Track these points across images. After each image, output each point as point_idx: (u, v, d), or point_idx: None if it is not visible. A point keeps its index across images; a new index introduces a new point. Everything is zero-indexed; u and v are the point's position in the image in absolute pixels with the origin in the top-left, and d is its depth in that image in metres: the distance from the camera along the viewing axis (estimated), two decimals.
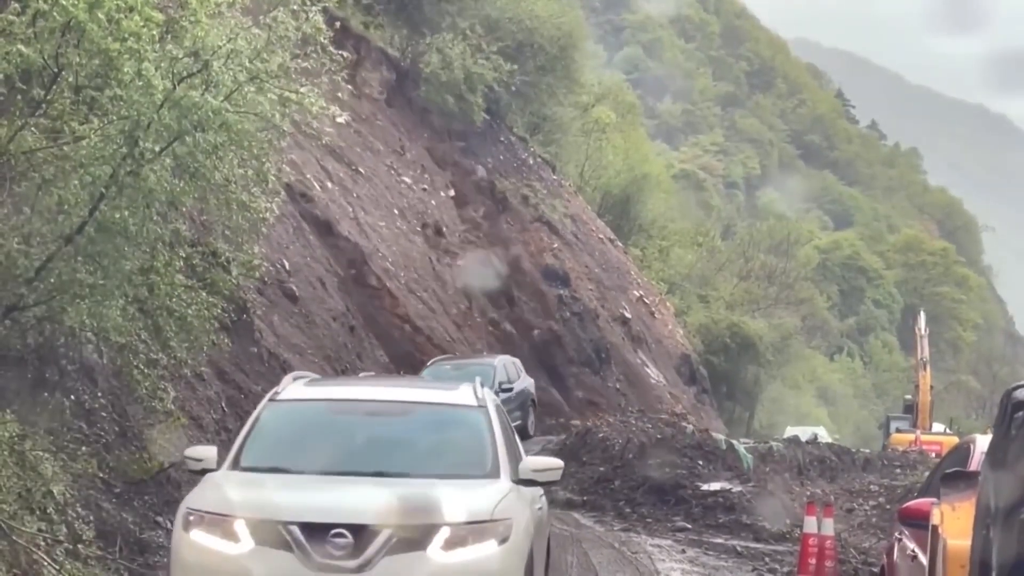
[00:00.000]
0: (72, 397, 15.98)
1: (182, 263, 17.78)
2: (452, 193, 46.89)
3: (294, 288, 30.26)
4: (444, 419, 10.88)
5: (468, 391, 11.11)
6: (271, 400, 10.91)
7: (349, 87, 33.97)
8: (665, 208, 79.54)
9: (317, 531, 9.07)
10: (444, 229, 44.37)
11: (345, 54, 19.90)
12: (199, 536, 9.35)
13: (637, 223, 71.20)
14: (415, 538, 9.10)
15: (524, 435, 30.98)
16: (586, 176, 67.16)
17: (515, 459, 10.68)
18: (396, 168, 44.14)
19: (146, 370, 17.10)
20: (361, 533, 9.04)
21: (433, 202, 45.05)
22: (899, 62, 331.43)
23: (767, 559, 18.87)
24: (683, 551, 19.25)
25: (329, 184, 38.17)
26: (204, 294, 18.13)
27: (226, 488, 9.82)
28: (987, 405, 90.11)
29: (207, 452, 10.45)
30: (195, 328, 17.37)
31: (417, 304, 39.15)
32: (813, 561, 15.40)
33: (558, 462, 10.95)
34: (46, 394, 15.24)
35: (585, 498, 23.81)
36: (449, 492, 9.62)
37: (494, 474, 10.16)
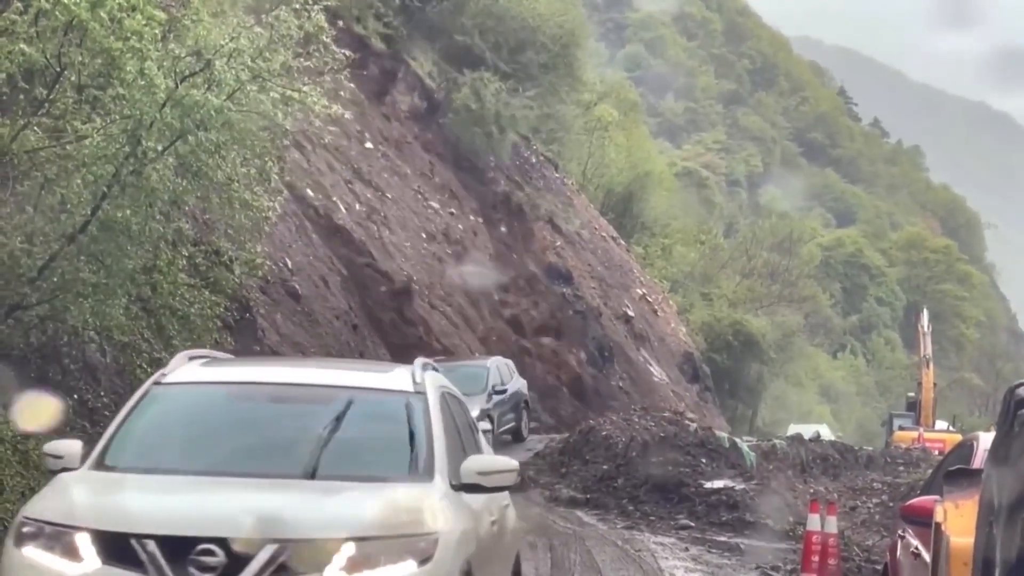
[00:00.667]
0: (75, 396, 16.01)
1: (185, 262, 17.83)
2: (480, 220, 47.18)
3: (297, 287, 30.29)
4: (369, 407, 8.82)
5: (404, 374, 9.09)
6: (156, 383, 8.90)
7: (382, 111, 34.26)
8: (667, 206, 79.60)
9: (180, 547, 7.20)
10: (472, 252, 44.70)
11: (347, 52, 19.91)
12: (33, 552, 7.46)
13: (640, 221, 71.27)
14: (310, 557, 7.28)
15: (518, 437, 30.92)
16: (588, 174, 67.20)
17: (457, 458, 8.68)
18: (424, 192, 44.51)
19: (149, 369, 17.11)
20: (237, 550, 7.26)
21: (460, 226, 45.34)
22: (901, 60, 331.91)
23: (770, 557, 18.86)
24: (686, 549, 19.24)
25: (357, 206, 38.54)
26: (207, 293, 18.17)
27: (73, 493, 7.87)
28: (990, 402, 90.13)
29: (69, 447, 8.42)
30: (198, 327, 17.40)
31: (441, 320, 39.35)
32: (816, 559, 15.38)
33: (511, 463, 8.90)
34: (49, 393, 15.25)
35: (588, 496, 23.79)
36: (358, 498, 7.79)
37: (426, 476, 8.22)
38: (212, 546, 7.17)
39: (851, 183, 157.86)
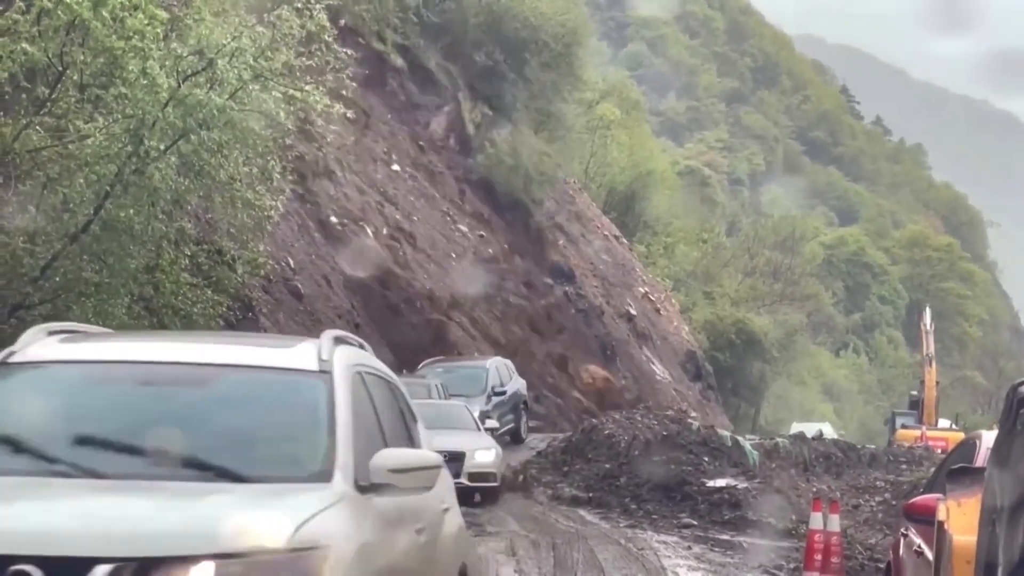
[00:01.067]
0: None
1: (187, 261, 17.85)
2: (507, 246, 47.48)
3: (299, 286, 30.30)
4: (259, 390, 7.21)
5: (308, 350, 7.41)
6: (1, 363, 7.26)
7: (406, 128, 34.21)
8: (670, 205, 79.65)
9: None
10: (497, 270, 45.15)
11: (349, 51, 19.92)
12: None
13: (642, 220, 71.36)
14: None
15: (516, 438, 30.69)
16: (591, 173, 67.24)
17: (367, 454, 6.96)
18: (452, 214, 44.92)
19: None
20: (63, 570, 5.69)
21: (490, 251, 45.56)
22: (904, 58, 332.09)
23: (773, 555, 18.86)
24: (689, 547, 19.24)
25: (385, 230, 38.83)
26: (209, 292, 18.19)
27: None
28: (993, 401, 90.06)
29: None
30: (200, 326, 17.41)
31: (457, 331, 39.50)
32: (819, 557, 15.37)
33: (432, 458, 7.42)
34: None
35: (591, 495, 23.80)
36: (225, 504, 6.20)
37: (322, 475, 6.63)
38: (28, 567, 5.66)
39: (853, 181, 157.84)
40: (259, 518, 6.03)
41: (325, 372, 7.18)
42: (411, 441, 8.17)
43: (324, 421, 6.92)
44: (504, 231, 47.89)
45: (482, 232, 46.02)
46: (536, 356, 43.39)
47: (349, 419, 6.99)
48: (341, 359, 7.37)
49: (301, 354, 7.42)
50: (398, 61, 46.37)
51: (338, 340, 7.59)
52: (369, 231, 37.93)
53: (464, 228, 45.00)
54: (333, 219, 36.14)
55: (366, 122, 42.94)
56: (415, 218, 41.92)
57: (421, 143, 46.01)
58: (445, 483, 8.27)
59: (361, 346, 8.14)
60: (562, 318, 47.57)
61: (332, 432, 6.85)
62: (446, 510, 8.20)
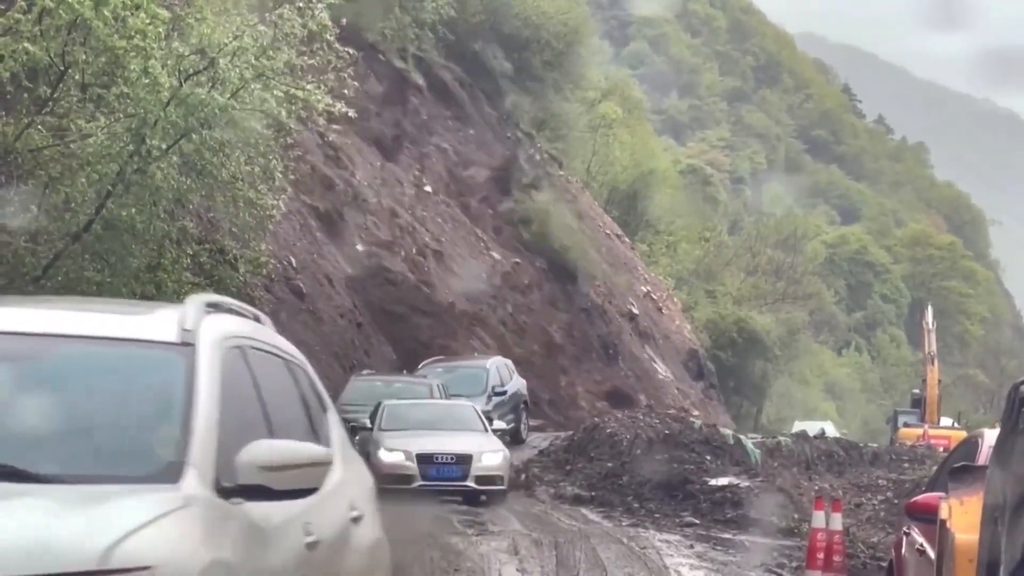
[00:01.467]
0: None
1: (189, 260, 17.85)
2: (542, 282, 47.72)
3: (301, 285, 30.31)
4: (100, 367, 5.68)
5: (168, 318, 5.82)
6: None
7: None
8: (672, 203, 79.59)
9: None
10: (524, 291, 45.37)
11: (351, 50, 19.91)
12: None
13: (644, 219, 71.38)
14: None
15: (517, 438, 30.39)
16: (593, 172, 67.27)
17: (239, 448, 5.37)
18: (484, 239, 45.15)
19: None
20: None
21: (525, 280, 45.71)
22: (906, 57, 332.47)
23: (775, 554, 18.86)
24: (691, 546, 19.23)
25: (414, 249, 39.30)
26: (211, 291, 18.17)
27: None
28: (995, 399, 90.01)
29: None
30: None
31: (477, 343, 39.69)
32: (821, 556, 15.37)
33: (319, 452, 5.92)
34: None
35: (593, 494, 23.80)
36: (25, 512, 4.70)
37: (169, 474, 5.12)
38: None
39: (855, 180, 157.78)
40: (66, 531, 4.64)
41: (187, 344, 5.69)
42: (315, 435, 6.54)
43: (178, 406, 5.45)
44: (540, 268, 48.08)
45: (517, 260, 46.17)
46: (580, 397, 43.49)
47: (214, 404, 5.51)
48: (211, 330, 5.86)
49: (158, 323, 5.92)
50: (419, 80, 46.39)
51: (212, 307, 6.12)
52: (399, 257, 38.18)
53: (497, 256, 45.17)
54: (360, 247, 36.28)
55: (396, 135, 43.16)
56: (443, 239, 42.11)
57: (459, 180, 46.38)
58: (361, 485, 6.98)
59: (256, 318, 6.75)
60: (602, 352, 47.74)
61: (187, 420, 5.38)
62: (357, 518, 6.59)
